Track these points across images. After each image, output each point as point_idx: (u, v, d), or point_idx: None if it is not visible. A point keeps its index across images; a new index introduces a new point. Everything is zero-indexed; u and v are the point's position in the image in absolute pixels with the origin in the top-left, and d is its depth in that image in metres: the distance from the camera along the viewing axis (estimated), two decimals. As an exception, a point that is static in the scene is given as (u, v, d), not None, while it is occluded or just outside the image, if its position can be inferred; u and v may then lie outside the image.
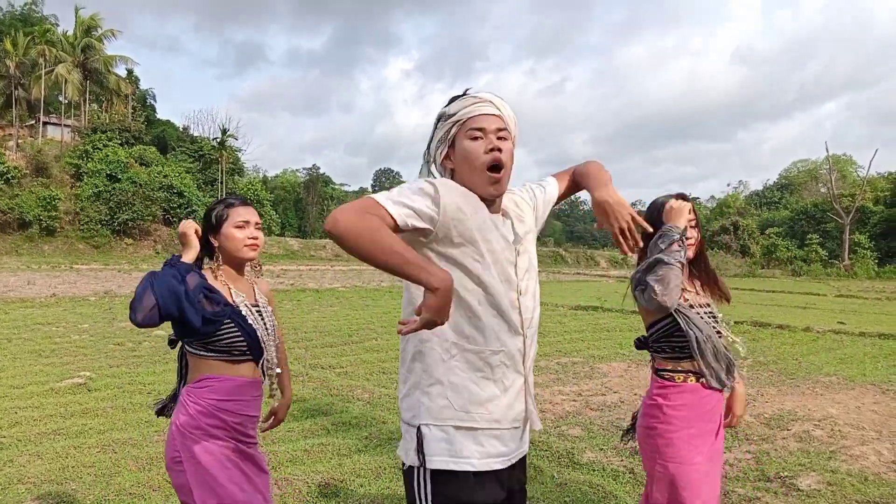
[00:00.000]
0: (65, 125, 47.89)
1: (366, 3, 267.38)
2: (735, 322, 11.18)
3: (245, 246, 2.28)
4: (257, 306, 2.35)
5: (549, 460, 4.42)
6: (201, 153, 48.16)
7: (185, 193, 41.18)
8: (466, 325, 1.69)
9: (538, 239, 2.03)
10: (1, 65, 44.73)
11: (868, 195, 48.62)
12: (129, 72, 52.07)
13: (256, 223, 2.32)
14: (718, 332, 2.43)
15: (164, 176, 41.31)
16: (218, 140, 48.85)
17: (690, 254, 2.42)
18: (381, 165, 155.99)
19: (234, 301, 2.25)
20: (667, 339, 2.40)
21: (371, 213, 1.55)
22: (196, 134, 51.79)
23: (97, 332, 9.63)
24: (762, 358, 8.47)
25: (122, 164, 40.31)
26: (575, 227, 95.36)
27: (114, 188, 38.74)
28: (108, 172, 39.52)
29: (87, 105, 47.79)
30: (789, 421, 5.47)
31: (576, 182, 2.01)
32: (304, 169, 69.90)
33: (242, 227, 2.28)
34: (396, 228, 1.59)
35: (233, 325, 2.21)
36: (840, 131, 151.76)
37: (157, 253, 38.94)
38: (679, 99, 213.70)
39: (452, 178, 1.76)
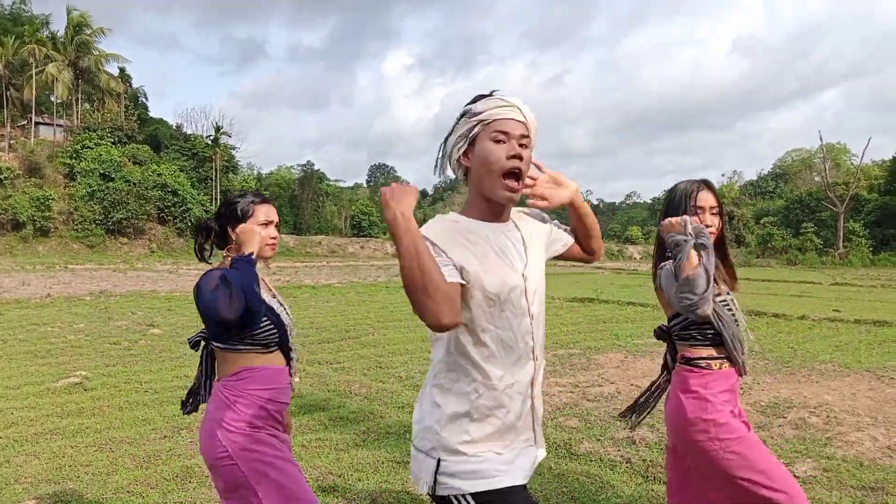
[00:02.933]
0: (57, 125, 47.60)
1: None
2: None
3: (266, 245, 2.32)
4: (276, 298, 2.39)
5: (547, 451, 4.42)
6: (195, 151, 47.90)
7: (179, 192, 41.07)
8: None
9: None
10: (-9, 65, 44.41)
11: (862, 183, 48.77)
12: (121, 70, 51.78)
13: (276, 222, 2.36)
14: (736, 321, 2.41)
15: (158, 175, 41.17)
16: (211, 138, 48.65)
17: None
18: (378, 161, 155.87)
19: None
20: (697, 328, 2.38)
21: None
22: (189, 132, 51.57)
23: (93, 332, 9.60)
24: (758, 347, 8.50)
25: (116, 164, 40.16)
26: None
27: (107, 187, 38.60)
28: (102, 172, 39.37)
29: (79, 104, 47.50)
30: (785, 408, 5.50)
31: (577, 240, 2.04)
32: (298, 165, 69.51)
33: (265, 226, 2.32)
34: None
35: (267, 319, 2.25)
36: (841, 120, 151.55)
37: (153, 252, 38.82)
38: (681, 89, 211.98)
39: (466, 177, 1.74)
